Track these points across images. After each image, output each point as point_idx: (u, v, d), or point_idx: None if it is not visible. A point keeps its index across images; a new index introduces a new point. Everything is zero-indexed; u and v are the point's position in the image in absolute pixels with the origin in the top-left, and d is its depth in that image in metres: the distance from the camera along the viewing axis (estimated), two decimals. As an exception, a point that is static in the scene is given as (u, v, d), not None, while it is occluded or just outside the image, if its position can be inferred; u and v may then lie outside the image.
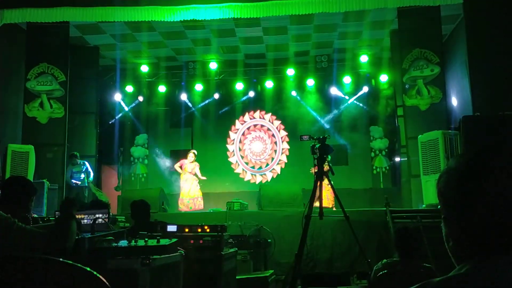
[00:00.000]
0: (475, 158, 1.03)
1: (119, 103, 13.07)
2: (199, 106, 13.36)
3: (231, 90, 13.20)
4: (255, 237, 7.33)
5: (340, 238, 7.51)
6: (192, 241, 4.02)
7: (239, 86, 13.03)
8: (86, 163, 10.07)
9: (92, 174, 10.19)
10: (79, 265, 1.83)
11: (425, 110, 9.36)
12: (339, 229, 7.40)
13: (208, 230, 4.14)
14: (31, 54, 9.89)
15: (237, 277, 4.96)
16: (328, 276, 7.42)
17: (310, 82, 12.69)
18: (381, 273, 3.37)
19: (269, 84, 13.01)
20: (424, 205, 8.37)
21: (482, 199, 0.98)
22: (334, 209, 8.22)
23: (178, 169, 10.52)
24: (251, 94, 13.22)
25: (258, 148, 13.81)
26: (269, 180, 13.31)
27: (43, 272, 1.81)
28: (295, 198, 8.75)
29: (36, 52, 9.85)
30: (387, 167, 12.66)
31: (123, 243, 2.83)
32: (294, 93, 13.03)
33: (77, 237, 2.62)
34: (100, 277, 1.81)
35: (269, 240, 7.34)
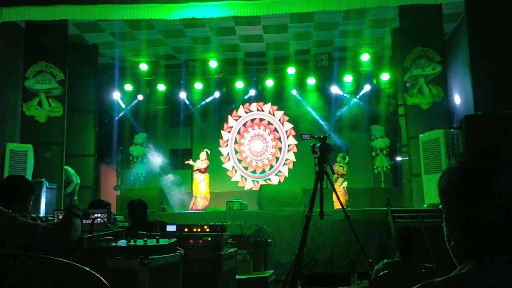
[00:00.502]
0: (477, 157, 1.03)
1: (118, 102, 13.03)
2: (199, 105, 13.32)
3: (231, 88, 13.15)
4: (255, 237, 7.29)
5: (340, 238, 7.48)
6: (191, 241, 3.99)
7: (239, 84, 12.99)
8: (67, 169, 9.81)
9: (71, 183, 9.83)
10: (78, 264, 1.83)
11: (427, 109, 9.33)
12: (339, 229, 7.37)
13: (207, 230, 4.10)
14: (29, 52, 9.84)
15: (237, 277, 4.92)
16: (328, 276, 7.40)
17: (311, 80, 12.66)
18: (382, 273, 3.34)
19: (269, 82, 12.96)
20: (425, 205, 8.34)
21: (483, 198, 0.98)
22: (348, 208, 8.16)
23: (193, 163, 10.49)
24: (252, 92, 13.15)
25: (258, 148, 13.05)
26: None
27: (42, 271, 1.80)
28: (295, 198, 8.72)
29: (34, 51, 9.81)
30: (388, 167, 12.63)
31: (122, 242, 2.81)
32: (294, 91, 12.98)
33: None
34: (99, 276, 1.81)
35: (269, 240, 7.31)
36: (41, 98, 9.75)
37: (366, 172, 12.72)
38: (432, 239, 5.98)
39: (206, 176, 10.38)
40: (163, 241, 2.88)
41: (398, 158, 11.96)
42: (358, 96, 12.79)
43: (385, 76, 12.23)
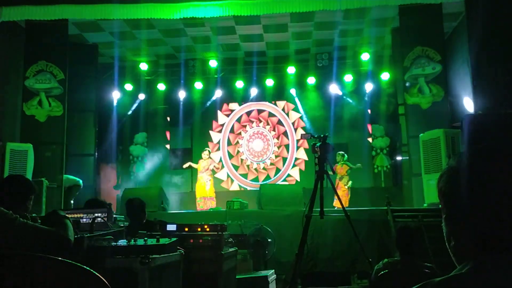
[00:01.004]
0: (476, 157, 1.03)
1: (118, 101, 13.03)
2: (199, 104, 13.32)
3: (231, 88, 13.15)
4: (255, 237, 7.28)
5: (340, 237, 7.48)
6: (191, 241, 3.98)
7: (239, 84, 12.98)
8: (68, 177, 9.69)
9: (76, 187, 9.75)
10: (78, 264, 1.82)
11: (427, 108, 9.32)
12: (339, 228, 7.36)
13: (208, 230, 4.09)
14: (29, 52, 9.84)
15: (237, 277, 4.91)
16: (328, 275, 7.40)
17: (311, 80, 12.66)
18: (382, 272, 3.34)
19: (269, 82, 12.96)
20: (425, 204, 8.34)
21: (483, 198, 0.98)
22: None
23: (193, 165, 10.44)
24: (252, 92, 13.15)
25: (258, 147, 12.54)
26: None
27: (42, 270, 1.80)
28: (296, 197, 8.71)
29: (34, 50, 9.80)
30: (388, 166, 12.63)
31: (122, 242, 2.81)
32: (293, 91, 12.98)
33: (76, 236, 2.59)
34: (99, 276, 1.80)
35: (269, 240, 7.30)
36: (41, 98, 9.75)
37: (366, 172, 12.71)
38: (432, 238, 5.99)
39: (211, 176, 10.39)
40: (163, 241, 2.89)
41: (398, 158, 11.96)
42: (358, 96, 12.79)
43: (385, 76, 12.23)
